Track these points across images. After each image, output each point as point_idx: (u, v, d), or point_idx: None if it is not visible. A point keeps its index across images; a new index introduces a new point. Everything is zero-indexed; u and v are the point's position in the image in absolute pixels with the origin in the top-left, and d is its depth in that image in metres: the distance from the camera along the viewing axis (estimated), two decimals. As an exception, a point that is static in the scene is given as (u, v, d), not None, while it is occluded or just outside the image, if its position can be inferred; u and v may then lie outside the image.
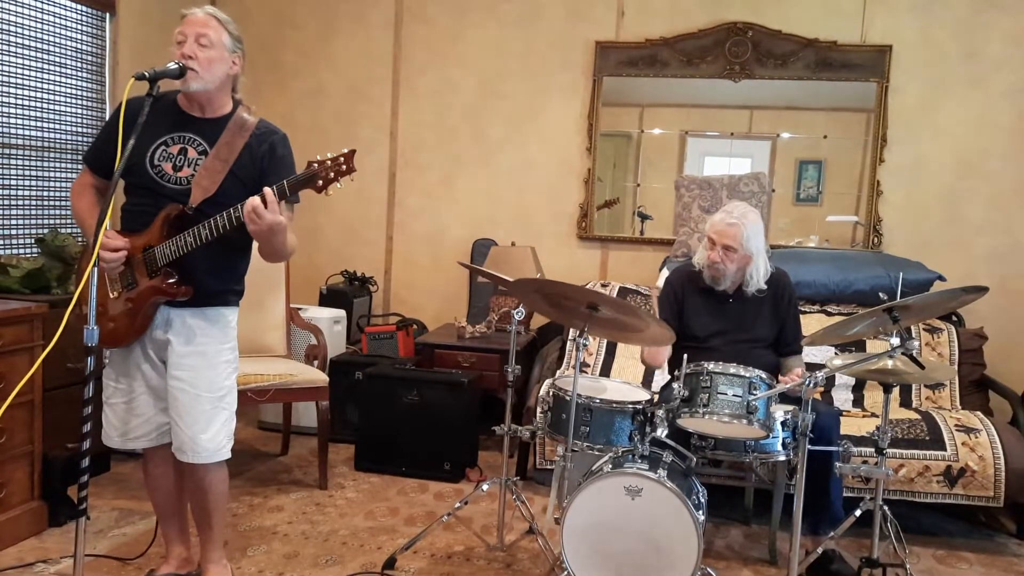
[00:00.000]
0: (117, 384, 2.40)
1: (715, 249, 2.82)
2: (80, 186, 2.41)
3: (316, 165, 2.11)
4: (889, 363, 2.44)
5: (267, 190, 2.09)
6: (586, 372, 3.69)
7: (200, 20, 2.24)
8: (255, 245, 2.36)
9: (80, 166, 4.01)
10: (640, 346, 3.00)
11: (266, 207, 2.08)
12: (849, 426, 3.11)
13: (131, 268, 2.29)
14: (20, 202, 3.75)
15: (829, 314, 3.81)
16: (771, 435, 2.53)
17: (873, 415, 3.43)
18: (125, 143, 2.06)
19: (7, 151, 3.66)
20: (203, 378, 2.33)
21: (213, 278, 2.34)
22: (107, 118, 4.15)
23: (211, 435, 2.33)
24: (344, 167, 2.10)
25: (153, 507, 2.59)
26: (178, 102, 2.34)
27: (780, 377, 2.75)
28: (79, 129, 4.03)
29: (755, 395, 2.43)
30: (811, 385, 2.23)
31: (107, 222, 2.02)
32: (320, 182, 2.11)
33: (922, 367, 2.42)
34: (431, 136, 4.76)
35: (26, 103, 3.72)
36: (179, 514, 2.56)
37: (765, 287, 2.87)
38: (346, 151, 2.12)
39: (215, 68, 2.24)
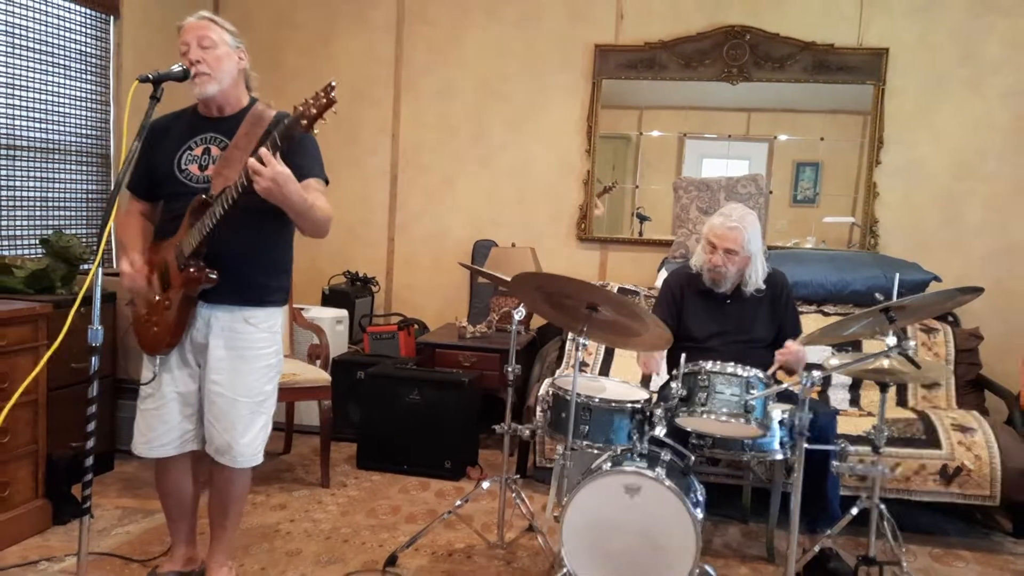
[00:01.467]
0: (151, 391, 2.39)
1: (716, 253, 2.83)
2: (126, 214, 2.46)
3: (300, 108, 2.08)
4: (885, 363, 2.46)
5: (261, 150, 2.08)
6: (585, 371, 3.71)
7: (197, 24, 2.28)
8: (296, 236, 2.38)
9: (84, 168, 4.07)
10: (637, 351, 3.03)
11: (263, 164, 2.06)
12: (846, 425, 3.13)
13: (166, 269, 2.31)
14: (25, 203, 3.77)
15: (826, 314, 3.84)
16: (768, 434, 2.54)
17: (870, 414, 3.45)
18: (131, 153, 2.09)
19: (12, 152, 3.68)
20: (241, 383, 2.33)
21: (252, 269, 2.33)
22: (111, 121, 4.19)
23: (249, 440, 2.35)
24: (325, 100, 2.06)
25: (163, 510, 2.59)
26: (197, 110, 2.38)
27: (776, 353, 2.76)
28: (83, 131, 4.06)
29: (752, 394, 2.45)
30: (808, 385, 2.25)
31: (110, 224, 2.05)
32: (304, 121, 2.07)
33: (918, 367, 2.44)
34: (432, 137, 4.79)
35: (31, 105, 3.75)
36: (189, 517, 2.57)
37: (763, 287, 2.90)
38: (325, 84, 2.07)
39: (224, 65, 2.28)
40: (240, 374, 2.33)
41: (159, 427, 2.39)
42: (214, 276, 2.27)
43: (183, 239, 2.27)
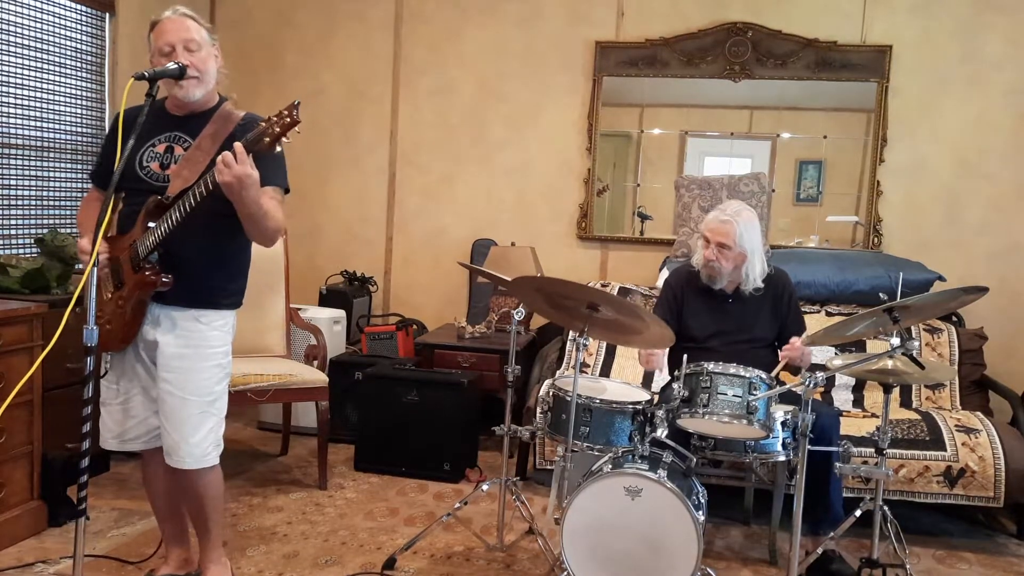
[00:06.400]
0: (113, 385, 2.39)
1: (710, 247, 2.82)
2: (86, 201, 2.46)
3: (263, 124, 2.06)
4: (889, 363, 2.44)
5: (237, 144, 2.05)
6: (586, 372, 3.69)
7: (180, 25, 2.23)
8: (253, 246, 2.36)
9: (79, 166, 4.05)
10: (638, 349, 3.00)
11: (236, 159, 2.03)
12: (849, 426, 3.11)
13: (120, 268, 2.28)
14: (20, 202, 3.75)
15: (829, 314, 3.81)
16: (771, 435, 2.53)
17: (873, 415, 3.43)
18: (124, 145, 2.06)
19: (7, 151, 3.65)
20: (191, 381, 2.29)
21: (207, 272, 2.31)
22: (106, 119, 4.16)
23: (198, 440, 2.31)
24: (289, 120, 2.03)
25: (152, 508, 2.58)
26: (166, 106, 2.34)
27: (780, 353, 2.75)
28: (79, 129, 4.03)
29: (755, 395, 2.43)
30: (811, 385, 2.23)
31: (104, 226, 2.03)
32: (267, 139, 2.04)
33: (922, 367, 2.42)
34: (431, 136, 4.76)
35: (26, 103, 3.72)
36: (177, 515, 2.55)
37: (762, 286, 2.87)
38: (290, 104, 2.03)
39: (209, 68, 2.26)
40: (190, 372, 2.30)
41: (127, 422, 2.38)
42: (168, 280, 2.24)
43: (138, 239, 2.24)
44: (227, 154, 2.04)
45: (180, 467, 2.32)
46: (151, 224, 2.22)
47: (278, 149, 2.07)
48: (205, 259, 2.30)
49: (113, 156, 2.13)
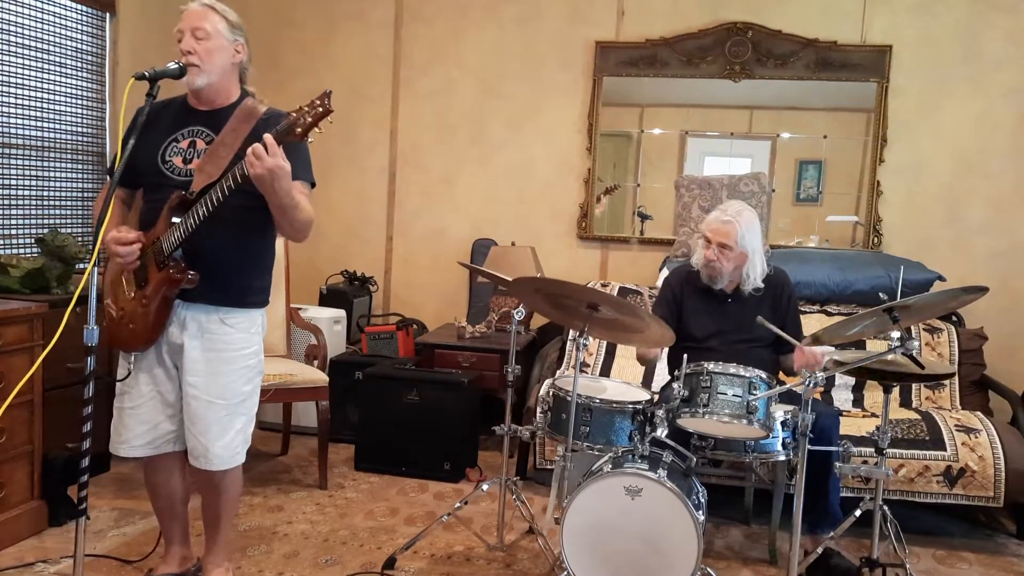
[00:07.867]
0: (127, 388, 2.36)
1: (711, 247, 2.82)
2: (102, 198, 2.43)
3: (294, 114, 2.05)
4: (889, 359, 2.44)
5: (267, 136, 2.04)
6: (586, 372, 3.69)
7: (196, 13, 2.24)
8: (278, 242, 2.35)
9: (80, 166, 4.05)
10: (638, 348, 3.00)
11: (267, 151, 2.02)
12: (849, 426, 3.11)
13: (144, 265, 2.27)
14: (20, 202, 3.75)
15: (829, 314, 3.81)
16: (771, 435, 2.52)
17: (873, 415, 3.43)
18: (125, 144, 2.07)
19: (7, 151, 3.66)
20: (217, 384, 2.29)
21: (234, 269, 2.30)
22: (107, 119, 4.17)
23: (226, 442, 2.31)
24: (321, 109, 2.03)
25: (154, 510, 2.57)
26: (188, 100, 2.34)
27: (795, 354, 2.70)
28: (79, 129, 4.03)
29: (755, 395, 2.43)
30: (811, 385, 2.23)
31: (107, 220, 2.03)
32: (299, 129, 2.04)
33: (922, 367, 2.42)
34: (431, 136, 4.76)
35: (26, 103, 3.72)
36: (181, 517, 2.55)
37: (762, 286, 2.87)
38: (321, 93, 2.04)
39: (215, 59, 2.23)
40: (217, 376, 2.29)
41: (136, 427, 2.36)
42: (194, 276, 2.23)
43: (162, 236, 2.22)
44: (257, 146, 2.02)
45: (209, 469, 2.31)
46: (175, 220, 2.20)
47: (310, 140, 2.06)
48: (231, 255, 2.29)
49: (135, 151, 2.12)
